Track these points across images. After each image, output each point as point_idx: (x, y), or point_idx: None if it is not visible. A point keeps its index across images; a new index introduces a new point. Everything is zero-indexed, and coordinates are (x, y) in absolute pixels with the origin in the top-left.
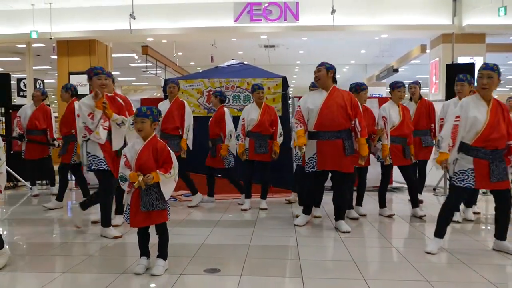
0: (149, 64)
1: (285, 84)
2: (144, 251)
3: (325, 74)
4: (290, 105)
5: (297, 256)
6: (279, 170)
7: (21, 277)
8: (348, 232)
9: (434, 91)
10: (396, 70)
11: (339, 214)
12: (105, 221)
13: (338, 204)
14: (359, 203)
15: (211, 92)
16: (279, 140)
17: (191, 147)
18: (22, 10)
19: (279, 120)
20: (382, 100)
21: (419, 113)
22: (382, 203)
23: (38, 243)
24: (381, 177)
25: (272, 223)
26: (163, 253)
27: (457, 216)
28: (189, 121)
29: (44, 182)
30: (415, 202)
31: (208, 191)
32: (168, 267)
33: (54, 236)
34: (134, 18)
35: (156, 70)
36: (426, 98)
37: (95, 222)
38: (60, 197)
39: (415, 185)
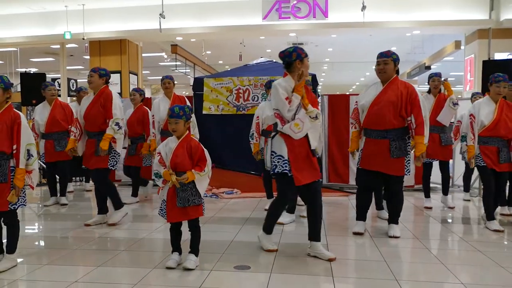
0: (178, 63)
1: (314, 81)
2: (176, 247)
3: (392, 67)
4: (320, 103)
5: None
6: None
7: (58, 270)
8: (397, 237)
9: (468, 88)
10: (428, 68)
11: (392, 217)
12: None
13: (390, 207)
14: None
15: (239, 90)
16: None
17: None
18: (56, 12)
19: None
20: None
21: (437, 108)
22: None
23: (74, 237)
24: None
25: (302, 221)
26: (195, 250)
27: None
28: (192, 116)
29: (77, 179)
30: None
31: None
32: (199, 264)
33: (88, 231)
34: (164, 18)
35: (185, 69)
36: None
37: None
38: (135, 193)
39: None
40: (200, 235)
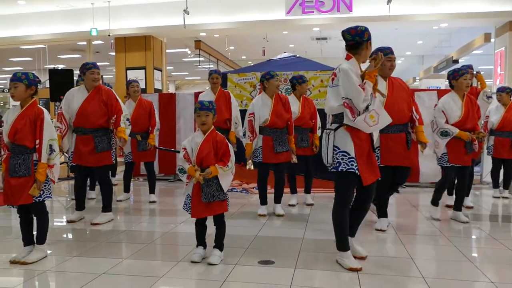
0: (201, 58)
1: None
2: (201, 242)
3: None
4: None
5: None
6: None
7: (86, 262)
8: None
9: (498, 82)
10: (456, 61)
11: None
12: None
13: (382, 202)
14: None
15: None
16: (319, 132)
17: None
18: (82, 9)
19: (317, 113)
20: (441, 93)
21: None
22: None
23: (101, 230)
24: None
25: (325, 217)
26: (219, 244)
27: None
28: (236, 113)
29: None
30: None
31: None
32: (223, 258)
33: (115, 224)
34: (188, 14)
35: (209, 64)
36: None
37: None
38: (152, 190)
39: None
40: (225, 230)
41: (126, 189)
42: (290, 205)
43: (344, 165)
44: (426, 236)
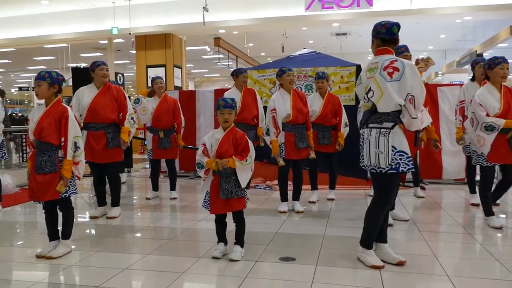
0: (220, 55)
1: (359, 72)
2: (222, 238)
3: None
4: None
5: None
6: (347, 161)
7: (110, 257)
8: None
9: None
10: (480, 55)
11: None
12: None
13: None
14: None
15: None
16: (344, 130)
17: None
18: (104, 8)
19: (343, 110)
20: None
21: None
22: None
23: (123, 226)
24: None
25: (346, 215)
26: (240, 241)
27: None
28: (261, 109)
29: (126, 169)
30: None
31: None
32: (244, 254)
33: (136, 220)
34: (208, 11)
35: (228, 62)
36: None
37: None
38: (173, 186)
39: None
40: (245, 226)
41: (155, 188)
42: (310, 202)
43: (404, 165)
44: (450, 234)
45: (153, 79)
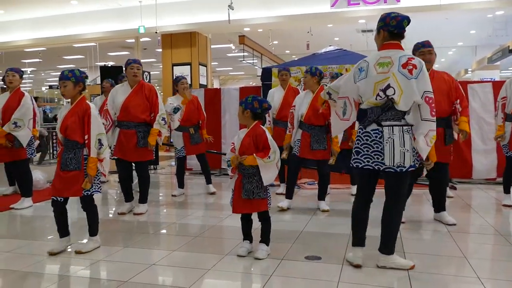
0: (245, 53)
1: None
2: (247, 236)
3: (434, 57)
4: None
5: (401, 248)
6: None
7: (137, 252)
8: (454, 224)
9: None
10: None
11: (441, 204)
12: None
13: (439, 194)
14: None
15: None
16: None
17: None
18: (131, 7)
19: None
20: (496, 84)
21: None
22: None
23: (150, 222)
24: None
25: (373, 214)
26: (265, 239)
27: None
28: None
29: (151, 167)
30: None
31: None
32: (270, 253)
33: (162, 216)
34: (233, 9)
35: (253, 60)
36: None
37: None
38: (209, 180)
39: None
40: (270, 225)
41: (180, 185)
42: (352, 195)
43: (417, 161)
44: (480, 235)
45: (178, 79)
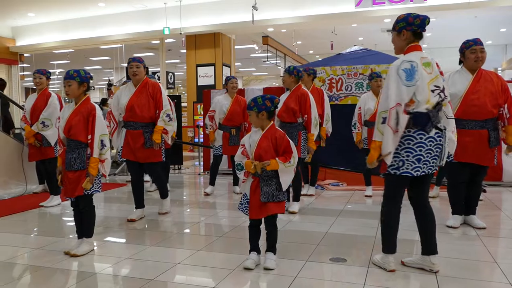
0: (269, 54)
1: None
2: (255, 247)
3: (485, 55)
4: None
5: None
6: None
7: (162, 251)
8: (484, 228)
9: None
10: None
11: (474, 207)
12: None
13: (473, 197)
14: None
15: (332, 80)
16: None
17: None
18: (156, 9)
19: None
20: None
21: None
22: None
23: (174, 221)
24: None
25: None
26: (273, 248)
27: None
28: (328, 109)
29: (175, 166)
30: None
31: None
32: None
33: (187, 216)
34: (257, 10)
35: (276, 60)
36: None
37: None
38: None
39: None
40: (277, 234)
41: (212, 182)
42: (366, 196)
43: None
44: (511, 239)
45: (228, 79)
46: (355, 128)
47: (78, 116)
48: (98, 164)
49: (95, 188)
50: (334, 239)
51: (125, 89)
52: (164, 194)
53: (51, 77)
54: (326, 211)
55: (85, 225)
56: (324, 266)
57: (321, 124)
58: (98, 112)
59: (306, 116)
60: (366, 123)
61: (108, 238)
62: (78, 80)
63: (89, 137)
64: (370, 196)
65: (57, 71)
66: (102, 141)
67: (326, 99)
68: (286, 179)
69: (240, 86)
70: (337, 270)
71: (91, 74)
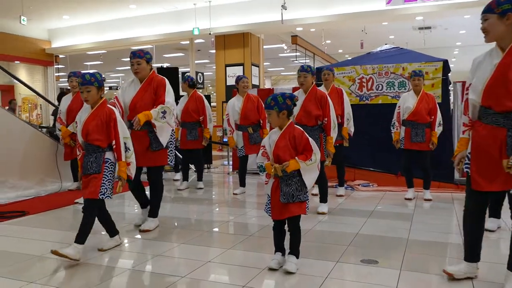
0: (297, 53)
1: (446, 68)
2: (280, 247)
3: None
4: (451, 91)
5: (462, 255)
6: (437, 162)
7: (193, 249)
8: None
9: None
10: None
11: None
12: None
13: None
14: None
15: (362, 79)
16: (438, 129)
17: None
18: (186, 10)
19: (438, 109)
20: None
21: None
22: None
23: (205, 220)
24: None
25: (431, 218)
26: (295, 251)
27: None
28: (348, 108)
29: (207, 166)
30: None
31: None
32: (299, 267)
33: (216, 214)
34: (286, 9)
35: (305, 60)
36: None
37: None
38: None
39: None
40: (300, 236)
41: (242, 183)
42: (406, 199)
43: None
44: None
45: (239, 78)
46: (393, 128)
47: (95, 121)
48: (126, 167)
49: (108, 194)
50: (365, 241)
51: (129, 85)
52: (155, 212)
53: None
54: (356, 212)
55: (80, 229)
56: (355, 268)
57: (342, 124)
58: (118, 115)
59: (326, 119)
60: (404, 122)
61: (139, 236)
62: (97, 85)
63: (114, 142)
64: (410, 199)
65: (91, 71)
66: (125, 144)
67: (346, 98)
68: (309, 177)
69: (268, 86)
70: (368, 272)
71: (123, 74)
